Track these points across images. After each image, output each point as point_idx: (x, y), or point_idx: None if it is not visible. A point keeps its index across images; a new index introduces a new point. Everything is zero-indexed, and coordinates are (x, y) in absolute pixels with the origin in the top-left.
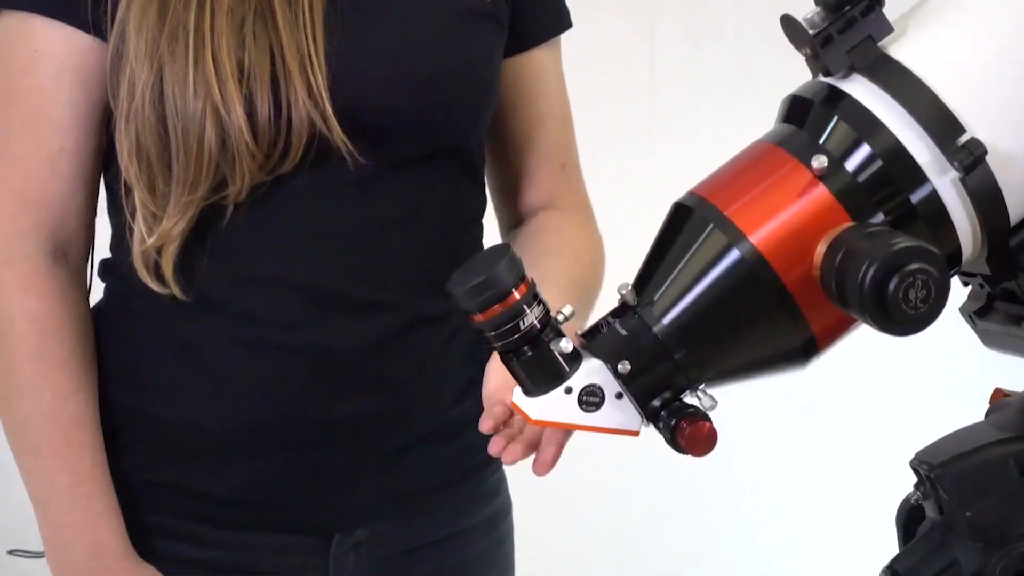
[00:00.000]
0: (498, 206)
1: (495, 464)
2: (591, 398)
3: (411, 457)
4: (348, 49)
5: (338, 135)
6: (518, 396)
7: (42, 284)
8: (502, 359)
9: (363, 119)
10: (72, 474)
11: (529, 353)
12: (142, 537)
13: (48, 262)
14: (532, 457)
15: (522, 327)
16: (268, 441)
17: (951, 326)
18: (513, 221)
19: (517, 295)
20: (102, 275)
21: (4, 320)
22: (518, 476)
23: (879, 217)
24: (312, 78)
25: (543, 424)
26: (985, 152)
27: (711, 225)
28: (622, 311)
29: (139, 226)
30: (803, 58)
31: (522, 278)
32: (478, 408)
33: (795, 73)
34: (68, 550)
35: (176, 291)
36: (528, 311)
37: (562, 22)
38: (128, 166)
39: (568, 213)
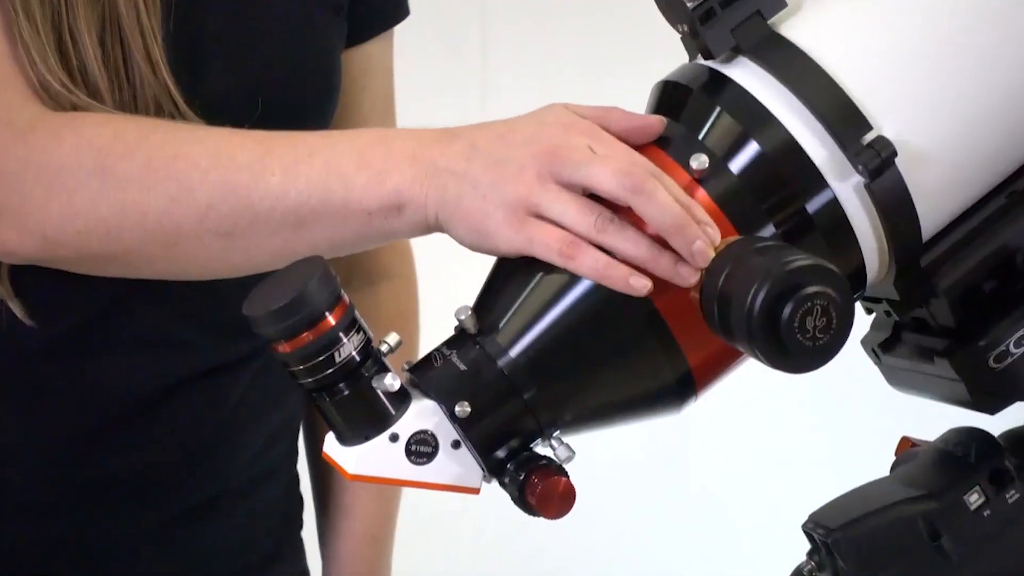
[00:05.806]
0: None
1: (299, 519)
2: (422, 447)
3: (206, 519)
4: (187, 32)
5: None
6: (331, 446)
7: None
8: (312, 399)
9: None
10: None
11: (346, 392)
12: None
13: None
14: None
15: (337, 359)
16: (15, 502)
17: (852, 362)
18: None
19: (332, 320)
20: None
21: None
22: None
23: (769, 229)
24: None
25: (362, 479)
26: (894, 153)
27: None
28: (460, 340)
29: None
30: (678, 36)
31: (338, 299)
32: (289, 456)
33: (668, 54)
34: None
35: None
36: (345, 340)
37: (399, 10)
38: None
39: (375, 274)
